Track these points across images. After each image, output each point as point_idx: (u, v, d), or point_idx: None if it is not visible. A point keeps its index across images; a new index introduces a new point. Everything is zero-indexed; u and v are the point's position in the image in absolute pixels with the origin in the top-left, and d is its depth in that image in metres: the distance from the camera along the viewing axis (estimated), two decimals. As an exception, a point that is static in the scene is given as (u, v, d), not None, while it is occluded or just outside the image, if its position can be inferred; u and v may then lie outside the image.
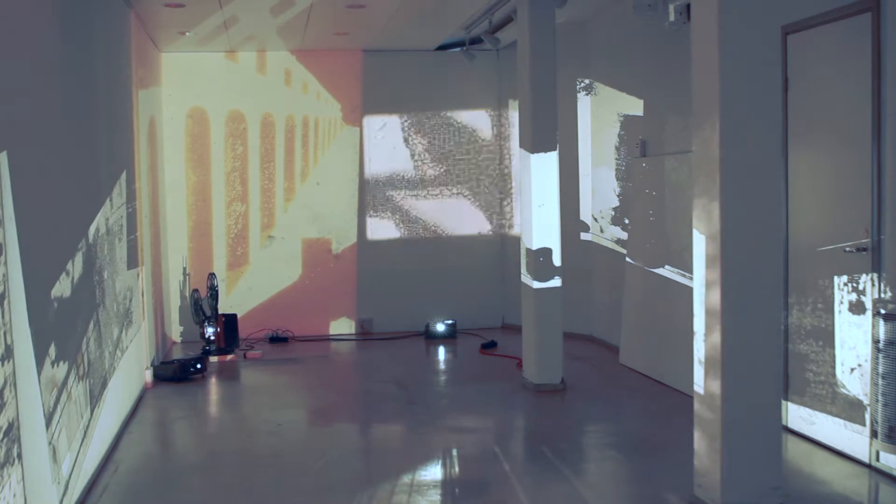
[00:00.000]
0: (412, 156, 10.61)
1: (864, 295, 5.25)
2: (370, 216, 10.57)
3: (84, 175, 5.45)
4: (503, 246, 10.78)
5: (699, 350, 4.65)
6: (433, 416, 6.87)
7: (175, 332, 10.11)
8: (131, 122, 7.50)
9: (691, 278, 5.30)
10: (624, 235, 8.76)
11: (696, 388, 4.71)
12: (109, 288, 6.04)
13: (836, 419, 5.53)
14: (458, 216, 10.73)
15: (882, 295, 5.09)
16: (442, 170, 10.65)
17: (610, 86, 9.14)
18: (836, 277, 5.49)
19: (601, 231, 9.38)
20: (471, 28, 9.25)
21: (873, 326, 5.02)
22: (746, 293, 4.46)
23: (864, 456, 5.27)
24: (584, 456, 5.96)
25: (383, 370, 8.63)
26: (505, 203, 10.76)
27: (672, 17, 6.88)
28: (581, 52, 9.51)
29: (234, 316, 9.38)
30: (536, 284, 7.46)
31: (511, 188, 10.65)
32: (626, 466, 5.63)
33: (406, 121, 10.60)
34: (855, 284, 5.33)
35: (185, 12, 8.04)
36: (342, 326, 10.58)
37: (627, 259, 8.52)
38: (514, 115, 10.34)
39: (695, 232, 4.67)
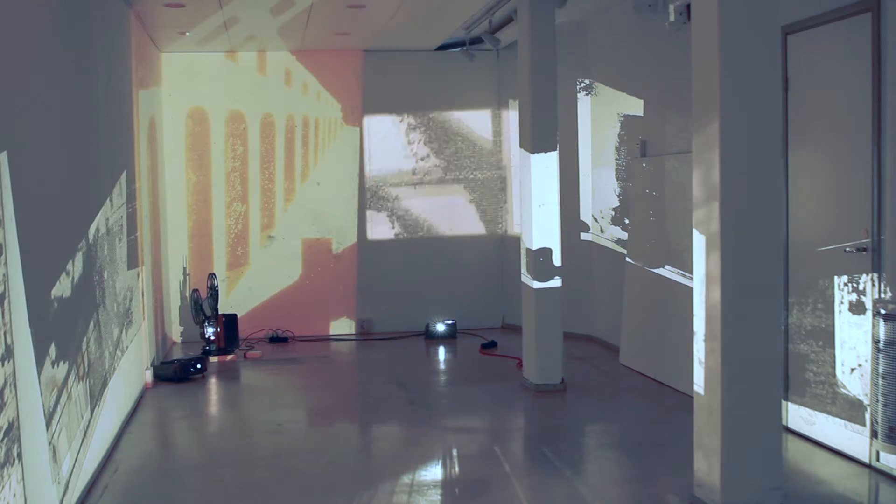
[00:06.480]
0: (412, 156, 10.62)
1: (864, 295, 5.25)
2: (370, 217, 10.57)
3: (84, 175, 5.45)
4: (503, 246, 10.78)
5: (699, 350, 4.65)
6: (433, 416, 6.87)
7: (175, 332, 10.11)
8: (131, 122, 7.50)
9: (691, 278, 5.30)
10: (624, 235, 8.76)
11: (696, 388, 4.71)
12: (109, 288, 6.04)
13: (836, 419, 5.53)
14: (459, 216, 10.73)
15: (882, 295, 5.09)
16: (442, 169, 10.65)
17: (610, 86, 9.14)
18: (836, 277, 5.49)
19: (601, 231, 9.38)
20: (471, 28, 9.25)
21: (873, 326, 5.02)
22: (746, 293, 4.46)
23: (864, 456, 5.27)
24: (584, 456, 5.96)
25: (383, 370, 8.62)
26: (504, 203, 10.76)
27: (672, 17, 6.88)
28: (581, 52, 9.50)
29: (234, 316, 9.39)
30: (536, 284, 7.46)
31: (511, 188, 10.66)
32: (626, 466, 5.63)
33: (406, 121, 10.60)
34: (855, 284, 5.33)
35: (185, 12, 8.04)
36: (342, 326, 10.58)
37: (627, 259, 8.52)
38: (514, 115, 10.34)
39: (695, 232, 4.67)
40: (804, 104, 5.81)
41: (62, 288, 4.63)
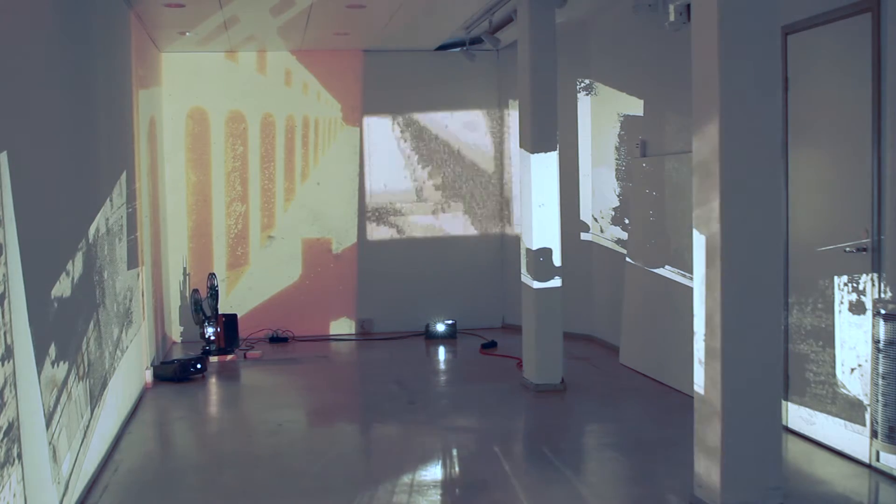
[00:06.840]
0: (412, 154, 10.61)
1: (864, 295, 5.25)
2: (370, 219, 10.57)
3: (84, 175, 5.45)
4: (503, 246, 10.78)
5: (699, 350, 4.65)
6: (433, 416, 6.87)
7: (175, 332, 10.11)
8: (131, 122, 7.50)
9: (691, 278, 5.30)
10: (624, 235, 8.76)
11: (696, 388, 4.71)
12: (109, 288, 6.04)
13: (836, 419, 5.53)
14: (458, 216, 10.72)
15: (882, 295, 5.09)
16: (441, 167, 10.66)
17: (610, 86, 9.14)
18: (836, 277, 5.49)
19: (601, 231, 9.38)
20: (471, 28, 9.24)
21: (873, 326, 5.02)
22: (746, 293, 4.46)
23: (864, 456, 5.27)
24: (584, 456, 5.96)
25: (383, 370, 8.62)
26: (504, 203, 10.76)
27: (672, 17, 6.87)
28: (581, 52, 9.50)
29: (234, 316, 9.38)
30: (536, 284, 7.46)
31: (510, 188, 10.65)
32: (626, 466, 5.63)
33: (406, 120, 10.60)
34: (855, 284, 5.33)
35: (185, 12, 8.04)
36: (342, 326, 10.58)
37: (627, 259, 8.52)
38: (514, 115, 10.34)
39: (695, 232, 4.67)
40: (804, 104, 5.80)
41: (62, 288, 4.63)
